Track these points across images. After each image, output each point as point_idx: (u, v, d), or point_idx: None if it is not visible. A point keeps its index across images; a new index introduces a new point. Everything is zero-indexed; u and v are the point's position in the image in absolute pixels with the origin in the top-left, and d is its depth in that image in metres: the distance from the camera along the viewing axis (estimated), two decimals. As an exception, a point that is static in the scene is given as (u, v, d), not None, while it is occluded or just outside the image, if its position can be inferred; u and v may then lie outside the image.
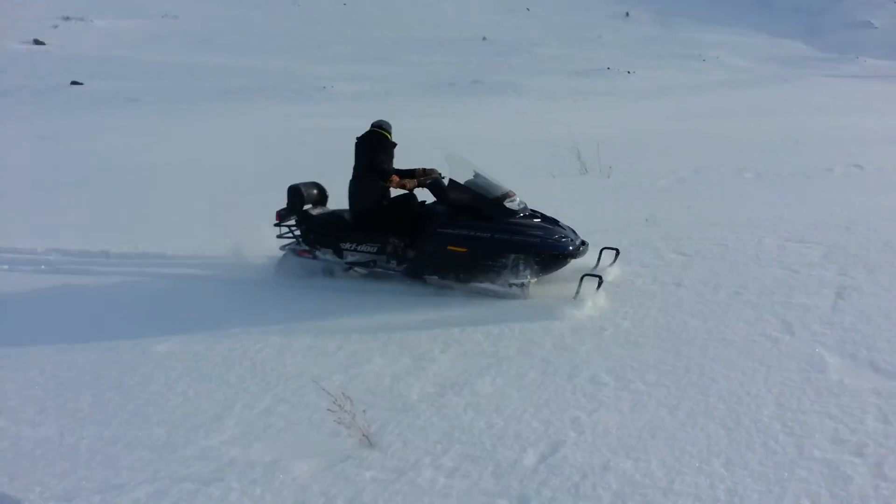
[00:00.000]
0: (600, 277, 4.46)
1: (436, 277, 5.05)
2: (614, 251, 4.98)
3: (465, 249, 4.79)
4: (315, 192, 5.66)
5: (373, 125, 5.29)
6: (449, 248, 4.83)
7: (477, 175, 4.99)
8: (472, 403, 3.24)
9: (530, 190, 7.93)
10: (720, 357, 3.53)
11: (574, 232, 4.89)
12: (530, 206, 5.07)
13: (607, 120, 16.72)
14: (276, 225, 5.58)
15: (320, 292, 5.22)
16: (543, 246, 4.70)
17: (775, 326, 3.88)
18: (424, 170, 5.32)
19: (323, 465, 2.79)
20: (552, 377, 3.46)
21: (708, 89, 24.87)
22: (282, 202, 5.57)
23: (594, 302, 4.38)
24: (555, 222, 4.93)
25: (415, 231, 5.10)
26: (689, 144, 11.92)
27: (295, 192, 5.50)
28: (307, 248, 5.49)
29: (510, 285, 4.73)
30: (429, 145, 9.32)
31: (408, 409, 3.24)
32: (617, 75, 29.61)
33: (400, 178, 5.04)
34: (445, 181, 5.06)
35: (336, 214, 5.58)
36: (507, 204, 4.84)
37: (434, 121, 16.72)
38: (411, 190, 5.17)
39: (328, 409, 2.93)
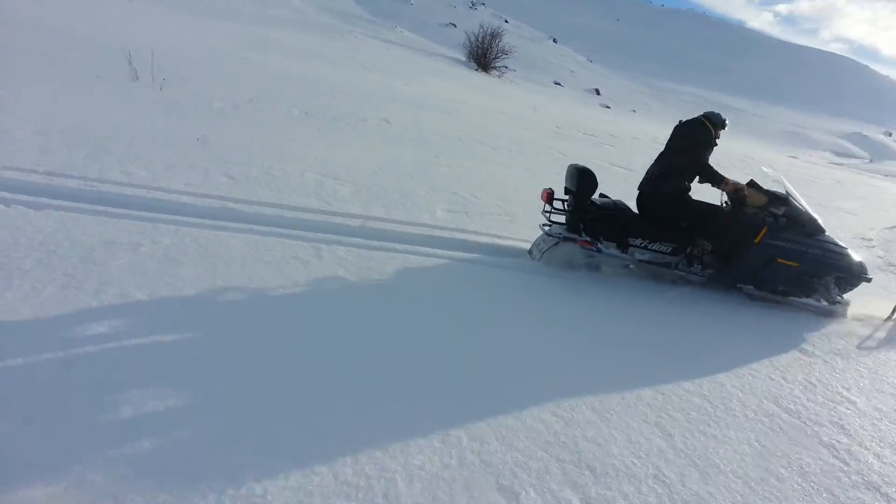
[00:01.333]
0: None
1: (751, 287, 4.96)
2: None
3: (796, 264, 4.78)
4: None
5: (707, 116, 4.90)
6: (778, 260, 4.76)
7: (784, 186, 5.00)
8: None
9: (68, 90, 6.96)
10: (256, 276, 3.70)
11: None
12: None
13: (168, 30, 15.48)
14: (548, 211, 4.87)
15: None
16: (861, 268, 4.98)
17: (307, 250, 4.25)
18: None
19: None
20: (75, 291, 3.13)
21: (268, 22, 25.16)
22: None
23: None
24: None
25: (721, 235, 4.88)
26: (248, 73, 11.97)
27: (588, 178, 4.69)
28: (589, 238, 4.82)
29: (834, 303, 4.93)
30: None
31: None
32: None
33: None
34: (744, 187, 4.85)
35: (622, 205, 5.00)
36: (820, 222, 4.93)
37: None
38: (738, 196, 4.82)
39: None
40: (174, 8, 21.42)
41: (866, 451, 2.99)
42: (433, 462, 2.35)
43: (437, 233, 5.19)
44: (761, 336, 4.37)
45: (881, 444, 3.09)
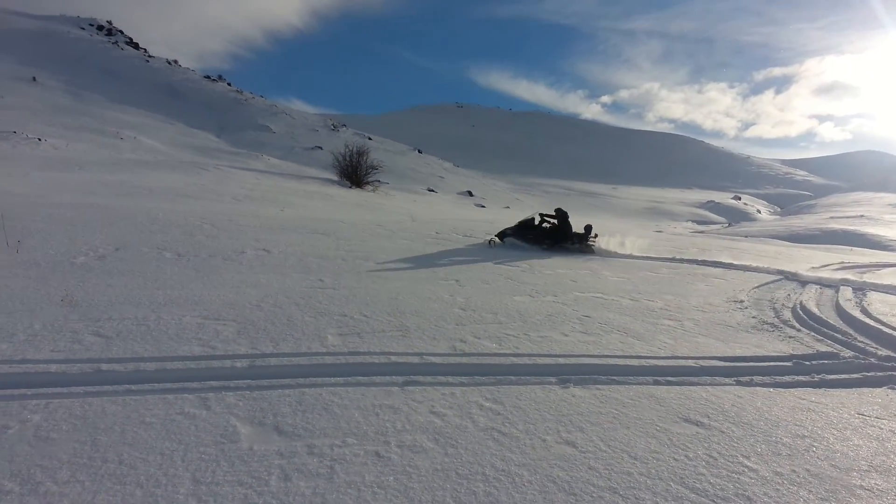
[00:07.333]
0: None
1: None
2: None
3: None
4: None
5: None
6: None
7: None
8: None
9: None
10: (139, 441, 3.47)
11: None
12: None
13: (11, 189, 14.71)
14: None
15: None
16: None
17: (193, 403, 4.03)
18: None
19: None
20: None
21: (126, 167, 24.65)
22: None
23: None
24: None
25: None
26: (110, 221, 11.55)
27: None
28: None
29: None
30: None
31: None
32: (24, 141, 26.67)
33: None
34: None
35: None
36: None
37: None
38: None
39: None
40: (12, 164, 20.50)
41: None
42: None
43: (330, 360, 5.11)
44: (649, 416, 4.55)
45: None
